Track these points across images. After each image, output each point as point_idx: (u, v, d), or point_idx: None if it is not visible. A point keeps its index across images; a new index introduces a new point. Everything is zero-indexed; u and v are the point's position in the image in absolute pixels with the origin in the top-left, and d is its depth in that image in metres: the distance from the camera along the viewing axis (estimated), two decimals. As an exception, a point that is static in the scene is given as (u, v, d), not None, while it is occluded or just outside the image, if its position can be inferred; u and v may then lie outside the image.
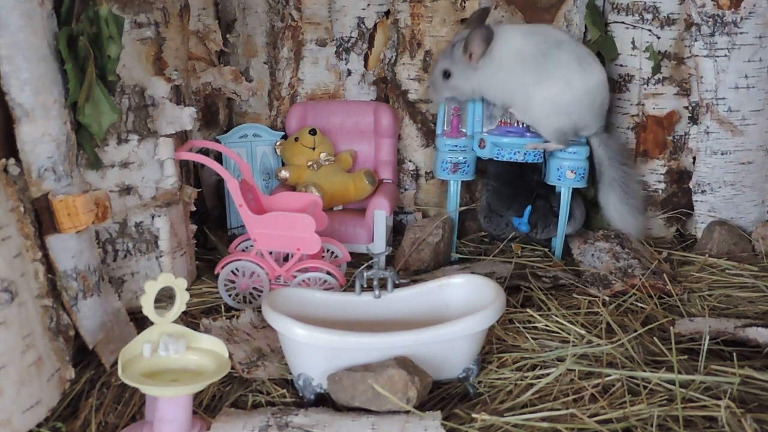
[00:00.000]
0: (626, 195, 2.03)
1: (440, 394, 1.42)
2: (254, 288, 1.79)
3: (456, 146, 2.05)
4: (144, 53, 1.67)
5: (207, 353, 1.31)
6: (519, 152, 1.99)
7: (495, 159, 2.03)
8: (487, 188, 2.15)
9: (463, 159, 2.04)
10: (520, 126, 2.05)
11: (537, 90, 1.93)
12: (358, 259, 1.95)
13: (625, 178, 2.03)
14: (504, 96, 1.99)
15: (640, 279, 1.82)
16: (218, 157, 2.16)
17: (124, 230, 1.68)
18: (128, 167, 1.65)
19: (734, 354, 1.47)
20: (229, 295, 1.79)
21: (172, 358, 1.29)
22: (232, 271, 1.78)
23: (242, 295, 1.79)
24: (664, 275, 1.85)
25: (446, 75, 1.98)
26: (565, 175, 2.00)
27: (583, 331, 1.60)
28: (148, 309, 1.28)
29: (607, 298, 1.78)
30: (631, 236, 2.06)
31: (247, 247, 1.90)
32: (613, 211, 2.05)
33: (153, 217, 1.71)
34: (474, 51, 1.91)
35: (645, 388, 1.40)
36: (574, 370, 1.46)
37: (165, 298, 1.36)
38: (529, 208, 2.06)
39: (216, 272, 1.79)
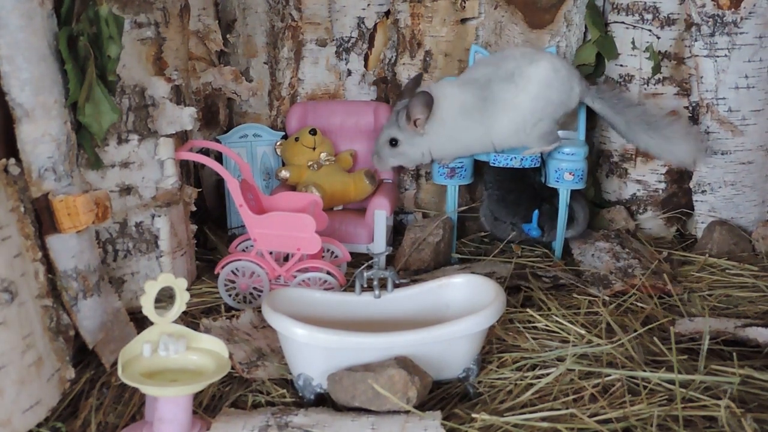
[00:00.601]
0: (651, 128, 1.99)
1: (440, 394, 1.42)
2: (254, 288, 1.79)
3: None
4: (144, 53, 1.67)
5: (207, 353, 1.31)
6: (515, 158, 1.99)
7: (492, 165, 2.02)
8: (490, 197, 2.15)
9: (459, 164, 2.03)
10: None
11: (494, 129, 1.95)
12: (359, 259, 1.95)
13: (639, 114, 2.00)
14: (460, 150, 1.99)
15: (640, 279, 1.82)
16: (218, 157, 2.16)
17: (124, 230, 1.68)
18: (128, 167, 1.65)
19: (734, 354, 1.47)
20: (229, 295, 1.79)
21: (172, 358, 1.29)
22: (232, 271, 1.78)
23: (242, 295, 1.79)
24: (665, 275, 1.85)
25: (393, 143, 1.97)
26: (564, 176, 2.00)
27: (583, 331, 1.60)
28: (148, 309, 1.28)
29: (607, 298, 1.78)
30: (690, 165, 2.09)
31: (247, 247, 1.90)
32: (656, 149, 2.03)
33: (153, 217, 1.71)
34: (418, 117, 1.90)
35: (645, 387, 1.40)
36: (574, 369, 1.46)
37: (165, 298, 1.36)
38: (536, 212, 2.06)
39: (216, 272, 1.79)
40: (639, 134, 2.01)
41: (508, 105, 1.92)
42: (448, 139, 1.95)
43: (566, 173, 1.99)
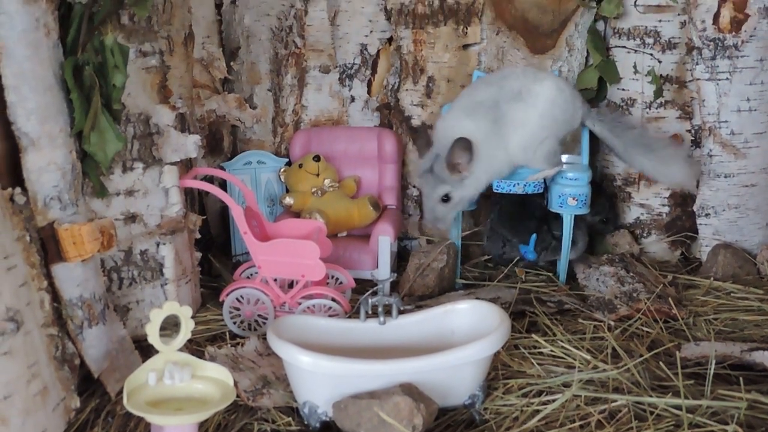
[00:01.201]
0: (648, 150, 1.99)
1: (446, 421, 1.41)
2: (259, 315, 1.79)
3: None
4: (149, 82, 1.68)
5: (212, 381, 1.31)
6: (519, 184, 1.99)
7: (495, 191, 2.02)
8: (493, 208, 2.15)
9: None
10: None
11: (509, 148, 1.95)
12: (363, 286, 1.95)
13: (637, 136, 2.01)
14: (496, 175, 1.98)
15: (645, 303, 1.81)
16: (222, 184, 2.16)
17: (129, 258, 1.68)
18: (133, 195, 1.66)
19: (741, 378, 1.46)
20: (234, 323, 1.79)
21: (177, 387, 1.29)
22: (237, 299, 1.78)
23: (247, 323, 1.79)
24: (670, 299, 1.84)
25: (446, 199, 1.92)
26: (567, 202, 2.00)
27: (588, 356, 1.60)
28: (153, 337, 1.28)
29: (612, 323, 1.77)
30: (686, 187, 2.10)
31: (252, 274, 1.90)
32: (652, 171, 2.03)
33: (158, 245, 1.71)
34: (461, 161, 1.87)
35: (652, 413, 1.39)
36: (580, 395, 1.45)
37: (170, 326, 1.36)
38: (534, 236, 2.06)
39: (221, 299, 1.79)
40: (636, 156, 2.01)
41: (518, 122, 1.93)
42: (485, 170, 1.94)
43: (570, 198, 1.99)
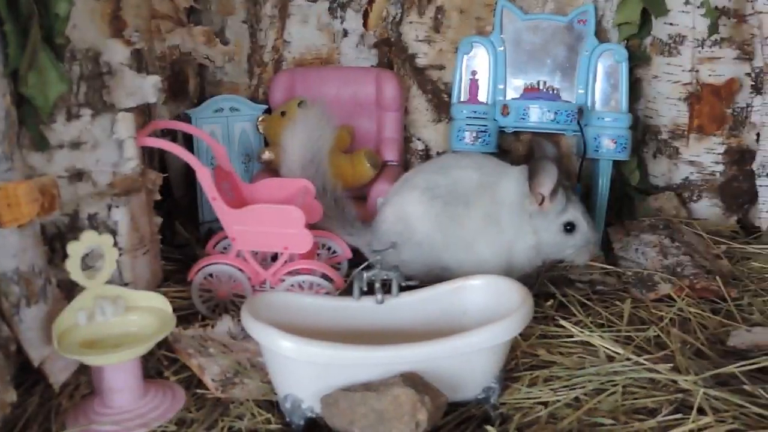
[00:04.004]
0: None
1: (457, 418, 1.41)
2: (236, 295, 1.78)
3: (475, 113, 2.09)
4: (99, 11, 1.66)
5: (148, 311, 1.39)
6: (549, 111, 2.01)
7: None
8: None
9: (483, 128, 2.06)
10: (550, 92, 2.07)
11: None
12: (360, 257, 1.94)
13: None
14: None
15: (692, 279, 1.81)
16: (189, 138, 2.15)
17: (75, 224, 1.67)
18: (80, 148, 1.65)
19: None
20: (208, 307, 1.78)
21: (111, 323, 1.37)
22: (206, 277, 1.77)
23: (223, 305, 1.78)
24: (717, 277, 1.84)
25: (569, 228, 1.79)
26: (603, 144, 2.00)
27: (628, 346, 1.60)
28: (75, 273, 1.34)
29: (650, 303, 1.78)
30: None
31: (227, 246, 1.89)
32: None
33: (110, 208, 1.71)
34: (543, 192, 1.75)
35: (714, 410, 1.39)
36: (619, 390, 1.45)
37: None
38: None
39: (189, 279, 1.78)
40: None
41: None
42: None
43: (607, 140, 1.99)
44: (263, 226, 1.74)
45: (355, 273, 1.51)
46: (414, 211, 1.79)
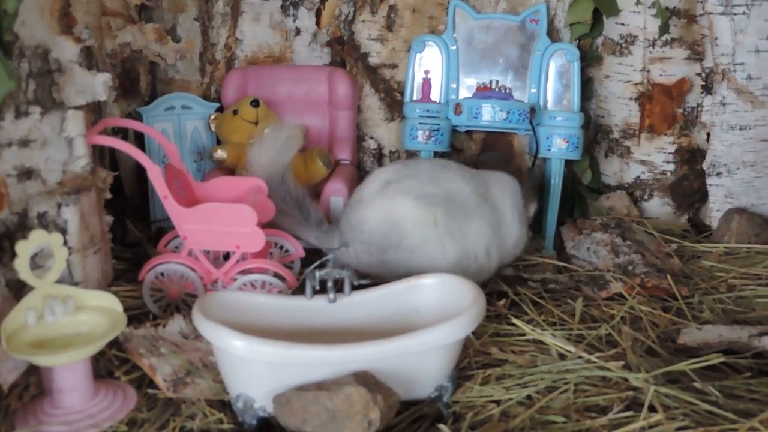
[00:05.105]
0: None
1: (409, 417, 1.42)
2: (188, 294, 1.78)
3: (428, 112, 2.11)
4: (48, 7, 1.64)
5: (99, 311, 1.39)
6: (501, 110, 2.03)
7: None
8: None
9: (436, 127, 2.07)
10: (502, 91, 2.09)
11: None
12: (313, 256, 1.95)
13: None
14: None
15: (643, 278, 1.84)
16: (140, 136, 2.14)
17: (24, 222, 1.66)
18: (29, 146, 1.63)
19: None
20: (159, 307, 1.78)
21: (61, 323, 1.37)
22: (157, 277, 1.76)
23: (174, 305, 1.78)
24: (668, 275, 1.86)
25: None
26: (555, 144, 2.02)
27: (578, 342, 1.62)
28: (24, 272, 1.34)
29: (602, 301, 1.80)
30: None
31: (179, 245, 1.89)
32: None
33: (60, 207, 1.69)
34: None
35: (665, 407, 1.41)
36: (571, 387, 1.47)
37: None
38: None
39: (140, 278, 1.77)
40: None
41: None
42: None
43: (559, 139, 2.01)
44: (215, 224, 1.74)
45: (307, 272, 1.51)
46: (409, 216, 1.77)
